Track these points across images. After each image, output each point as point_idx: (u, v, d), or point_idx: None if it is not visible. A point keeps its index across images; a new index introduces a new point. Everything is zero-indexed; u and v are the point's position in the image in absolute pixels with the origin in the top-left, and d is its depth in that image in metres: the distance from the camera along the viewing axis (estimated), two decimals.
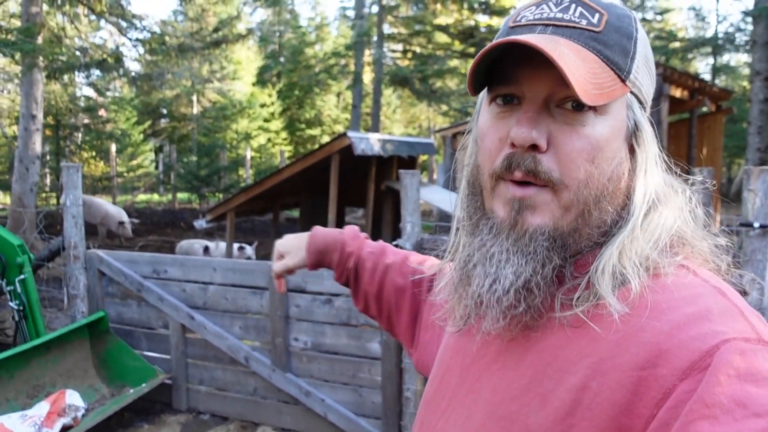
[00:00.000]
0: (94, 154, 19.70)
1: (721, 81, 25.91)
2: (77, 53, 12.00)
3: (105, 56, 11.34)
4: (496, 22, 17.96)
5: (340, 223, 10.95)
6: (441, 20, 19.54)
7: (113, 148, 19.94)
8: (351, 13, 22.01)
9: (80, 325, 4.31)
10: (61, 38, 11.61)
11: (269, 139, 24.78)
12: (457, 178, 0.89)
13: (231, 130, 22.82)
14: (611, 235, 0.75)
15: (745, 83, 24.40)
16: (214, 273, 4.37)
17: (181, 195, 20.51)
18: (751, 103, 11.71)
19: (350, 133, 8.36)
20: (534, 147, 0.72)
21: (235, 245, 9.51)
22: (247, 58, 27.35)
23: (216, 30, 13.44)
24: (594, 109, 0.72)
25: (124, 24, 11.87)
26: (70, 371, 4.26)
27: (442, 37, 20.01)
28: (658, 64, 9.41)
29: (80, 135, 18.15)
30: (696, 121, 11.76)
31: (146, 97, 24.55)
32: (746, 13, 16.27)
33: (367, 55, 19.86)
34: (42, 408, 3.73)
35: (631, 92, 0.75)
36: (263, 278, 4.20)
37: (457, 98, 19.74)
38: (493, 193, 0.78)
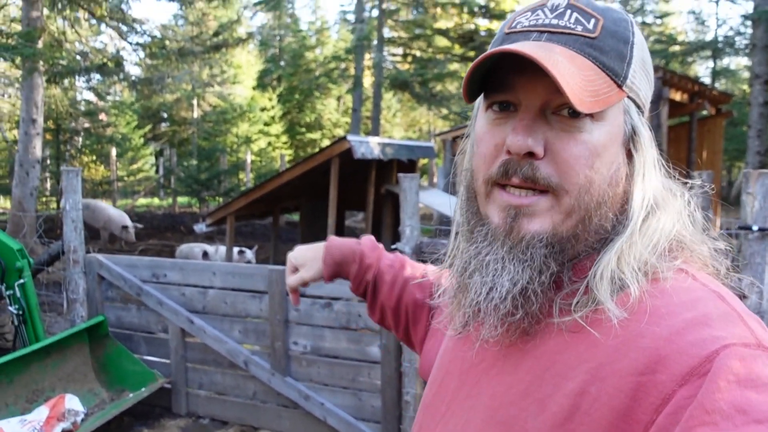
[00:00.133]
0: (94, 158, 19.70)
1: (720, 84, 25.95)
2: (78, 57, 12.02)
3: (105, 60, 11.36)
4: (496, 25, 17.98)
5: (340, 227, 10.95)
6: (441, 24, 19.58)
7: (113, 152, 19.95)
8: (351, 17, 22.06)
9: (80, 329, 4.31)
10: (61, 42, 11.63)
11: (269, 143, 24.80)
12: (457, 182, 0.89)
13: (231, 134, 22.85)
14: (609, 241, 0.75)
15: (745, 86, 24.42)
16: (214, 277, 4.37)
17: (181, 199, 20.52)
18: (751, 106, 11.72)
19: (350, 137, 8.36)
20: (530, 154, 0.72)
21: (235, 249, 9.51)
22: (247, 62, 27.38)
23: (216, 34, 13.45)
24: (591, 115, 0.71)
25: (124, 28, 11.89)
26: (69, 376, 4.26)
27: (442, 41, 20.06)
28: (657, 68, 9.42)
29: (80, 139, 18.16)
30: (696, 125, 11.76)
31: (146, 101, 24.60)
32: (746, 17, 16.29)
33: (368, 59, 19.89)
34: (41, 412, 3.73)
35: (629, 97, 0.75)
36: (263, 282, 4.20)
37: (457, 102, 19.76)
38: (488, 199, 0.77)
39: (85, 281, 4.64)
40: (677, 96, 10.26)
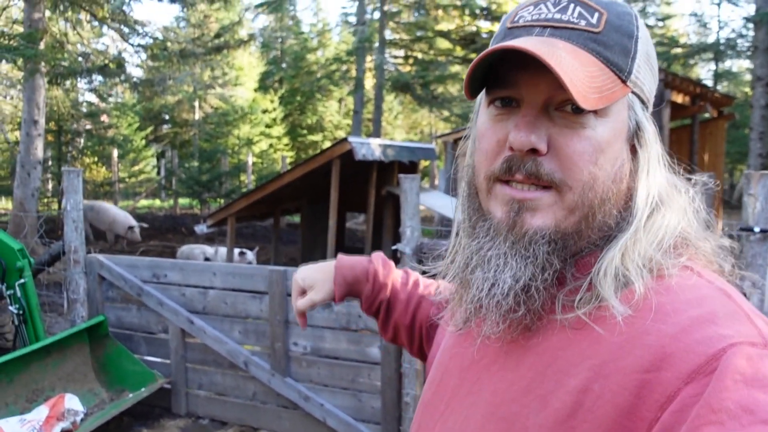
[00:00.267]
0: (95, 159, 19.72)
1: (722, 87, 25.95)
2: (79, 59, 12.02)
3: (107, 62, 11.37)
4: (497, 27, 17.96)
5: (340, 229, 10.95)
6: (442, 26, 19.59)
7: (115, 153, 19.98)
8: (353, 19, 22.06)
9: (80, 329, 4.31)
10: (63, 44, 11.65)
11: (271, 145, 24.81)
12: (458, 179, 0.88)
13: (233, 136, 22.86)
14: (613, 237, 0.74)
15: (747, 89, 24.41)
16: (214, 277, 4.37)
17: (182, 200, 20.54)
18: (753, 108, 11.71)
19: (351, 138, 8.35)
20: (534, 151, 0.71)
21: (236, 250, 9.52)
22: (249, 64, 27.42)
23: (218, 36, 13.47)
24: (594, 111, 0.70)
25: (126, 30, 11.91)
26: (69, 375, 4.25)
27: (443, 43, 20.07)
28: (659, 70, 9.42)
29: (82, 140, 18.17)
30: (698, 127, 11.74)
31: (148, 102, 24.62)
32: (748, 19, 16.29)
33: (369, 61, 19.90)
34: (41, 412, 3.72)
35: (633, 92, 0.74)
36: (263, 283, 4.20)
37: (458, 104, 19.77)
38: (490, 195, 0.77)
39: (86, 281, 4.64)
40: (679, 98, 10.24)
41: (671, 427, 0.60)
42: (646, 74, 0.76)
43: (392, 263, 1.30)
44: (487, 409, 0.76)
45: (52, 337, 4.12)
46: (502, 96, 0.75)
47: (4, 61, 10.24)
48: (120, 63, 11.45)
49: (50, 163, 15.63)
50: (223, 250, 9.87)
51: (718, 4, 24.68)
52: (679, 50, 19.61)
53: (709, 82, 24.35)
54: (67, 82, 11.99)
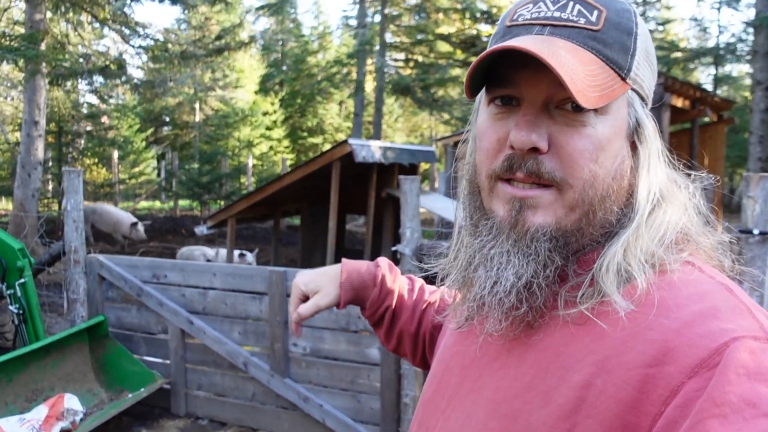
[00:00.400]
0: (96, 160, 19.74)
1: (722, 91, 25.94)
2: (80, 60, 12.04)
3: (108, 63, 11.38)
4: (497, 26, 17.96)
5: (340, 231, 10.94)
6: (443, 29, 19.61)
7: (115, 154, 19.98)
8: (353, 22, 22.10)
9: (80, 329, 4.31)
10: (64, 45, 11.66)
11: (271, 147, 24.81)
12: (458, 186, 0.89)
13: (233, 138, 22.86)
14: (614, 234, 0.74)
15: (747, 93, 24.43)
16: (214, 278, 4.37)
17: (182, 202, 20.53)
18: (753, 112, 11.72)
19: (351, 141, 8.36)
20: (534, 150, 0.72)
21: (236, 252, 9.52)
22: (249, 67, 27.42)
23: (219, 38, 13.48)
24: (594, 109, 0.71)
25: (127, 31, 11.92)
26: (69, 375, 4.25)
27: (444, 46, 20.07)
28: (659, 74, 9.43)
29: (83, 141, 18.19)
30: (697, 131, 11.75)
31: (149, 104, 24.64)
32: (747, 24, 16.32)
33: (369, 64, 19.91)
34: (40, 412, 3.72)
35: (632, 89, 0.75)
36: (263, 283, 4.20)
37: (459, 107, 19.78)
38: (492, 193, 0.77)
39: (86, 281, 4.64)
40: (679, 102, 10.25)
41: (675, 422, 0.60)
42: (645, 71, 0.76)
43: (398, 269, 1.27)
44: (489, 406, 0.76)
45: (52, 337, 4.12)
46: (502, 95, 0.75)
47: (5, 62, 10.25)
48: (121, 64, 11.45)
49: (51, 163, 15.64)
50: (223, 252, 9.87)
51: (718, 9, 24.71)
52: (679, 54, 19.63)
53: (709, 87, 24.36)
54: (68, 83, 12.01)
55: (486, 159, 0.77)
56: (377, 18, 19.33)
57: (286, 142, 26.20)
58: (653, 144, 0.77)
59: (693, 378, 0.61)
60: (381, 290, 1.20)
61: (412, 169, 10.44)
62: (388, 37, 19.75)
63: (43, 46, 10.09)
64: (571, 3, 0.73)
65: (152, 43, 12.18)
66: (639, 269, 0.71)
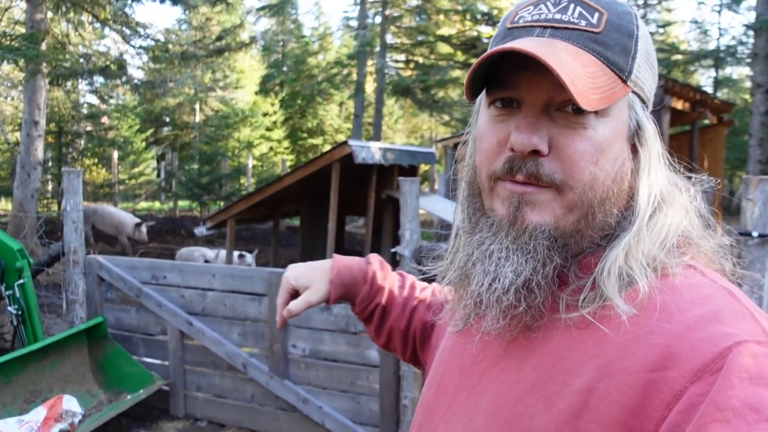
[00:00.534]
0: (96, 161, 19.74)
1: (722, 93, 25.97)
2: (81, 60, 12.04)
3: (108, 63, 11.38)
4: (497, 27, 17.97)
5: (340, 232, 10.95)
6: (443, 31, 19.62)
7: (115, 155, 19.98)
8: (354, 23, 22.11)
9: (78, 330, 4.31)
10: (64, 45, 11.67)
11: (271, 148, 24.81)
12: (457, 187, 0.88)
13: (233, 139, 22.86)
14: (615, 237, 0.74)
15: (747, 96, 24.44)
16: (213, 279, 4.37)
17: (182, 203, 20.53)
18: (752, 115, 11.72)
19: (351, 142, 8.36)
20: (535, 152, 0.71)
21: (236, 253, 9.51)
22: (250, 67, 27.43)
23: (219, 38, 13.48)
24: (595, 111, 0.71)
25: (128, 32, 11.92)
26: (67, 376, 4.25)
27: (444, 48, 20.08)
28: (659, 76, 9.43)
29: (82, 142, 18.18)
30: (697, 134, 11.76)
31: (149, 104, 24.65)
32: (748, 26, 16.33)
33: (370, 65, 19.92)
34: (39, 413, 3.72)
35: (633, 92, 0.74)
36: (262, 285, 4.20)
37: (459, 108, 19.79)
38: (492, 194, 0.77)
39: (85, 282, 4.64)
40: (679, 105, 10.25)
41: (678, 426, 0.60)
42: (646, 73, 0.76)
43: (389, 266, 1.27)
44: (490, 411, 0.76)
45: (51, 338, 4.11)
46: (502, 97, 0.75)
47: (5, 62, 10.25)
48: (121, 64, 11.46)
49: (50, 164, 15.64)
50: (222, 253, 9.86)
51: (719, 12, 24.74)
52: (679, 57, 19.65)
53: (709, 89, 24.37)
54: (68, 84, 12.02)
55: (486, 161, 0.77)
56: (378, 19, 19.34)
57: (286, 143, 26.20)
58: (654, 147, 0.77)
59: (696, 382, 0.61)
60: (371, 287, 1.20)
61: (411, 171, 10.45)
62: (389, 39, 19.75)
63: (43, 46, 10.09)
64: (572, 5, 0.73)
65: (153, 43, 12.19)
66: (641, 273, 0.70)
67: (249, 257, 9.48)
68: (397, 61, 21.08)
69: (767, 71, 11.33)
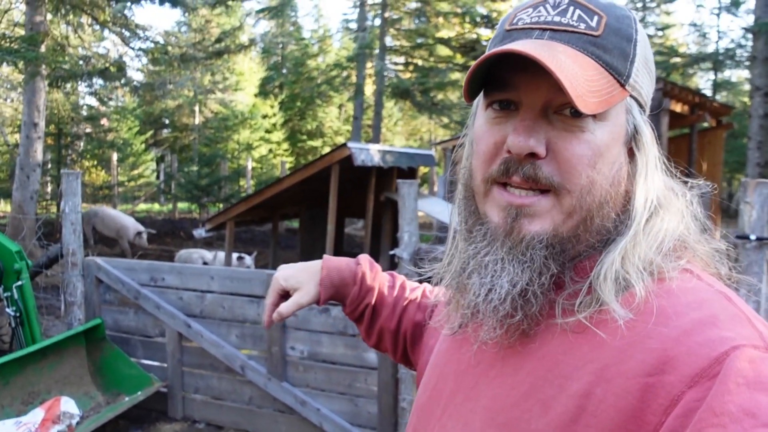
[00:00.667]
0: (95, 162, 19.73)
1: (721, 96, 26.00)
2: (80, 62, 12.05)
3: (108, 65, 11.38)
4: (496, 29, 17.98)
5: (339, 234, 10.94)
6: (443, 33, 19.62)
7: (114, 157, 19.97)
8: (354, 26, 22.11)
9: (77, 332, 4.30)
10: (64, 47, 11.67)
11: (270, 150, 24.81)
12: (455, 189, 0.88)
13: (232, 141, 22.86)
14: (611, 241, 0.74)
15: (746, 99, 24.47)
16: (212, 281, 4.36)
17: (181, 205, 20.52)
18: (751, 118, 11.72)
19: (350, 144, 8.36)
20: (532, 155, 0.71)
21: (235, 255, 9.50)
22: (249, 69, 27.44)
23: (218, 40, 13.49)
24: (593, 115, 0.70)
25: (127, 34, 11.92)
26: (65, 378, 4.24)
27: (443, 50, 20.10)
28: (658, 79, 9.43)
29: (82, 144, 18.18)
30: (696, 136, 11.76)
31: (148, 106, 24.65)
32: (746, 29, 16.34)
33: (369, 68, 19.92)
34: (36, 415, 3.71)
35: (631, 96, 0.74)
36: (260, 287, 4.19)
37: (458, 111, 19.79)
38: (486, 198, 0.77)
39: (83, 284, 4.64)
40: (678, 107, 10.25)
41: (675, 431, 0.60)
42: (644, 78, 0.76)
43: (378, 266, 1.27)
44: (486, 415, 0.76)
45: (49, 340, 4.11)
46: (500, 99, 0.75)
47: (5, 64, 10.26)
48: (121, 66, 11.45)
49: (49, 166, 15.63)
50: (221, 255, 9.85)
51: (718, 15, 24.76)
52: (678, 60, 19.65)
53: (708, 92, 24.39)
54: (68, 85, 12.00)
55: (482, 163, 0.76)
56: (377, 22, 19.34)
57: (285, 145, 26.20)
58: (651, 151, 0.77)
59: (693, 387, 0.60)
60: (361, 288, 1.21)
61: (411, 173, 10.45)
62: (388, 41, 19.75)
63: (43, 48, 10.09)
64: (572, 8, 0.73)
65: (152, 45, 12.18)
66: (637, 277, 0.70)
67: (248, 259, 9.48)
68: (396, 64, 21.08)
69: (766, 74, 11.33)
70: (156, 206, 23.01)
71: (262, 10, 20.29)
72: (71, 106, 16.51)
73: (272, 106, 25.85)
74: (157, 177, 23.82)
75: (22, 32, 10.71)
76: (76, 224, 4.58)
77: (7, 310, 4.26)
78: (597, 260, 0.73)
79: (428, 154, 12.08)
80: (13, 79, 18.57)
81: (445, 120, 21.10)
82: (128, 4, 11.31)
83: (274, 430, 4.28)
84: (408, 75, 20.55)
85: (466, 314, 0.78)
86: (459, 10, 18.25)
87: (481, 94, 0.78)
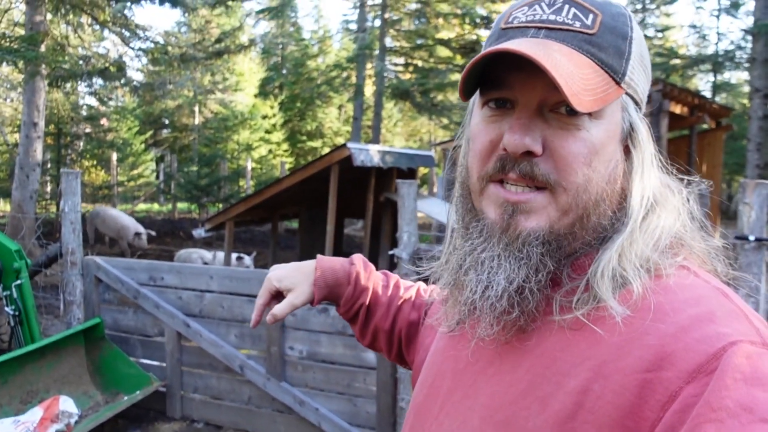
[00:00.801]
0: (95, 162, 19.73)
1: (721, 98, 26.00)
2: (80, 62, 12.05)
3: (108, 65, 11.38)
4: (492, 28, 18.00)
5: (338, 235, 10.94)
6: (443, 34, 19.62)
7: (114, 157, 19.97)
8: (353, 27, 22.13)
9: (76, 331, 4.30)
10: (64, 47, 11.67)
11: (270, 151, 24.81)
12: (452, 188, 0.88)
13: (232, 141, 22.86)
14: (608, 238, 0.74)
15: (745, 100, 24.48)
16: (211, 281, 4.37)
17: (181, 205, 20.53)
18: (751, 120, 11.75)
19: (350, 144, 8.36)
20: (528, 153, 0.71)
21: (234, 255, 9.50)
22: (249, 70, 27.44)
23: (218, 41, 13.49)
24: (589, 113, 0.71)
25: (127, 34, 11.92)
26: (64, 377, 4.24)
27: (443, 51, 20.10)
28: (658, 80, 9.45)
29: (81, 143, 18.17)
30: (696, 138, 11.77)
31: (148, 107, 24.65)
32: (746, 31, 16.37)
33: (369, 68, 19.92)
34: (35, 414, 3.72)
35: (627, 93, 0.74)
36: (259, 287, 4.16)
37: (458, 112, 19.80)
38: (482, 195, 0.77)
39: (83, 283, 4.64)
40: (677, 109, 10.26)
41: (673, 427, 0.60)
42: (639, 75, 0.76)
43: (372, 266, 1.26)
44: (484, 413, 0.76)
45: (48, 339, 4.11)
46: (496, 97, 0.75)
47: (4, 64, 10.26)
48: (120, 66, 11.45)
49: (49, 165, 15.62)
50: (221, 255, 9.85)
51: (717, 16, 24.76)
52: (677, 61, 19.67)
53: (708, 94, 24.40)
54: (68, 85, 12.00)
55: (478, 161, 0.77)
56: (377, 22, 19.34)
57: (285, 146, 26.20)
58: (647, 148, 0.77)
59: (691, 383, 0.61)
60: (355, 288, 1.20)
61: (410, 174, 10.44)
62: (388, 42, 19.75)
63: (42, 48, 10.09)
64: (567, 6, 0.73)
65: (152, 45, 12.19)
66: (634, 274, 0.71)
67: (247, 259, 9.48)
68: (396, 65, 21.09)
69: (765, 76, 11.36)
70: (155, 206, 23.01)
71: (262, 11, 20.33)
72: (71, 105, 16.52)
73: (272, 107, 25.85)
74: (157, 177, 23.82)
75: (22, 32, 10.71)
76: (76, 223, 4.58)
77: (7, 309, 4.26)
78: (594, 257, 0.74)
79: (428, 155, 12.08)
80: (13, 79, 18.59)
81: (445, 121, 21.12)
82: (128, 4, 11.31)
83: (272, 429, 4.28)
84: (408, 76, 20.56)
85: (463, 311, 0.78)
86: (459, 11, 18.25)
87: (477, 92, 0.78)
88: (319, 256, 1.24)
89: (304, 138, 27.55)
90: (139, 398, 4.22)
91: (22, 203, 10.38)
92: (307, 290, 1.18)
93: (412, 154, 11.07)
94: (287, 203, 10.39)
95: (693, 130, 11.74)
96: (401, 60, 21.04)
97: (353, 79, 20.49)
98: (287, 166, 22.74)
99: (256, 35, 27.86)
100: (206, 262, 9.53)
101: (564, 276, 0.74)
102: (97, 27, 12.95)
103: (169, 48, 12.20)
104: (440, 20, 19.28)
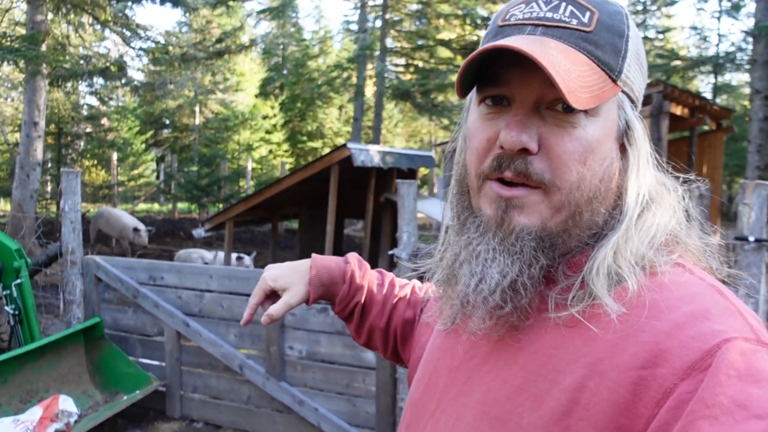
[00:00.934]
0: (95, 162, 19.74)
1: (721, 100, 25.98)
2: (81, 61, 12.05)
3: (108, 65, 11.39)
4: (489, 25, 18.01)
5: (338, 235, 10.94)
6: (443, 35, 19.63)
7: (115, 156, 19.98)
8: (354, 27, 22.13)
9: (75, 330, 4.30)
10: (65, 46, 11.68)
11: (270, 151, 24.81)
12: (448, 185, 0.89)
13: (233, 141, 22.86)
14: (603, 236, 0.74)
15: (746, 102, 24.49)
16: (210, 280, 4.37)
17: (181, 205, 20.54)
18: (751, 121, 11.74)
19: (350, 144, 8.37)
20: (524, 150, 0.71)
21: (234, 255, 9.51)
22: (250, 70, 27.45)
23: (219, 41, 13.50)
24: (585, 110, 0.71)
25: (128, 33, 11.94)
26: (64, 377, 4.24)
27: (444, 52, 20.10)
28: (658, 82, 9.44)
29: (82, 143, 18.18)
30: (696, 139, 11.76)
31: (149, 106, 24.64)
32: (747, 33, 16.37)
33: (370, 69, 19.92)
34: (35, 413, 3.71)
35: (623, 91, 0.75)
36: None
37: (458, 112, 19.75)
38: (480, 193, 0.77)
39: (83, 283, 4.64)
40: (678, 110, 10.25)
41: (668, 424, 0.60)
42: (636, 73, 0.76)
43: (367, 264, 1.26)
44: (479, 409, 0.76)
45: (48, 338, 4.11)
46: (493, 94, 0.75)
47: (5, 63, 10.26)
48: (121, 66, 11.46)
49: (50, 165, 15.64)
50: (221, 255, 9.85)
51: (718, 18, 24.76)
52: (678, 63, 19.67)
53: (708, 95, 24.38)
54: (68, 85, 12.02)
55: (475, 159, 0.77)
56: (378, 23, 19.35)
57: (285, 146, 26.20)
58: (642, 146, 0.77)
59: (685, 380, 0.61)
60: (350, 286, 1.20)
61: (410, 174, 10.45)
62: (389, 42, 19.77)
63: (43, 48, 10.11)
64: (564, 4, 0.73)
65: (153, 45, 12.20)
66: (629, 271, 0.71)
67: (247, 259, 9.48)
68: (396, 65, 21.10)
69: (766, 77, 11.35)
70: (156, 206, 23.03)
71: (263, 11, 20.33)
72: (71, 105, 16.53)
73: (272, 107, 25.85)
74: (157, 177, 23.83)
75: (23, 31, 10.73)
76: (76, 223, 4.58)
77: (6, 308, 4.26)
78: (589, 255, 0.74)
79: (428, 155, 12.09)
80: (14, 78, 18.59)
81: (446, 122, 21.11)
82: (129, 3, 11.32)
83: (271, 429, 4.28)
84: (408, 76, 20.57)
85: (456, 305, 0.79)
86: (460, 12, 18.26)
87: (474, 89, 0.79)
88: (314, 255, 1.24)
89: (305, 138, 27.56)
90: (139, 398, 4.23)
91: (22, 202, 10.39)
92: (303, 289, 1.17)
93: (413, 154, 11.08)
94: (287, 203, 10.40)
95: (693, 132, 11.73)
96: (402, 61, 21.05)
97: (354, 80, 20.49)
98: (287, 167, 22.74)
99: (257, 35, 27.84)
100: (206, 262, 9.54)
101: (559, 274, 0.75)
102: (98, 26, 12.97)
103: (170, 48, 12.21)
104: (441, 21, 19.29)
